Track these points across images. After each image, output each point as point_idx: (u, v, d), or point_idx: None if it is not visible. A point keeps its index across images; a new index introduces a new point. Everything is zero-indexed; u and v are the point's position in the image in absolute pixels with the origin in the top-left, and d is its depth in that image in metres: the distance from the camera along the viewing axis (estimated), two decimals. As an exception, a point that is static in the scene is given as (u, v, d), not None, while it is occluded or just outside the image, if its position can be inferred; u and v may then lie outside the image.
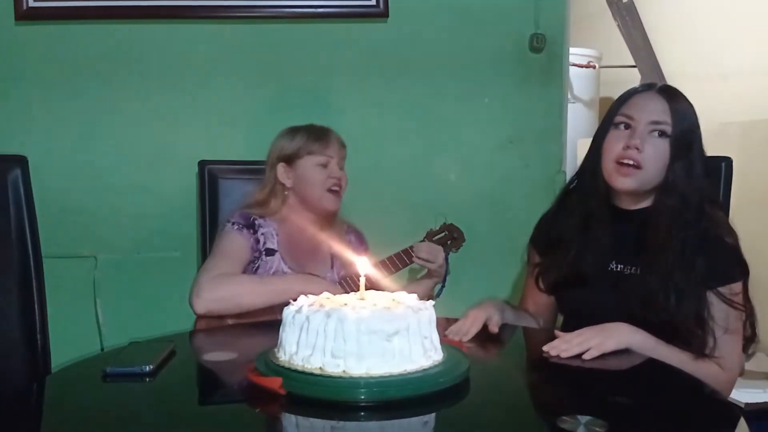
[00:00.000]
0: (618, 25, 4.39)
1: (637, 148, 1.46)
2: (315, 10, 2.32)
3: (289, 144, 1.95)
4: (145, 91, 2.32)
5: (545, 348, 1.35)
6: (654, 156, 1.47)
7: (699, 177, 1.48)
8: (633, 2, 4.37)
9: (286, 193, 1.95)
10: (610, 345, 1.35)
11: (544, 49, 2.41)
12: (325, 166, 1.92)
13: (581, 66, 4.16)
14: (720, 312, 1.43)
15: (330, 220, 1.98)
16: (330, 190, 1.92)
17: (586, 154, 1.60)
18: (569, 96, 2.90)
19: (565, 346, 1.34)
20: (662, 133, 1.47)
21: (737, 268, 1.47)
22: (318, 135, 1.95)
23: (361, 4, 2.33)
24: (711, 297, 1.44)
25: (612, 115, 1.53)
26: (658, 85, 1.56)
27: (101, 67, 2.30)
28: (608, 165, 1.50)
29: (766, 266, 2.82)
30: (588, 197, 1.57)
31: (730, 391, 1.48)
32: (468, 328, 1.47)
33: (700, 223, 1.46)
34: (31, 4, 2.22)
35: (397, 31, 2.37)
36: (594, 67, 4.28)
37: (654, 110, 1.48)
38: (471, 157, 2.44)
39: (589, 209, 1.56)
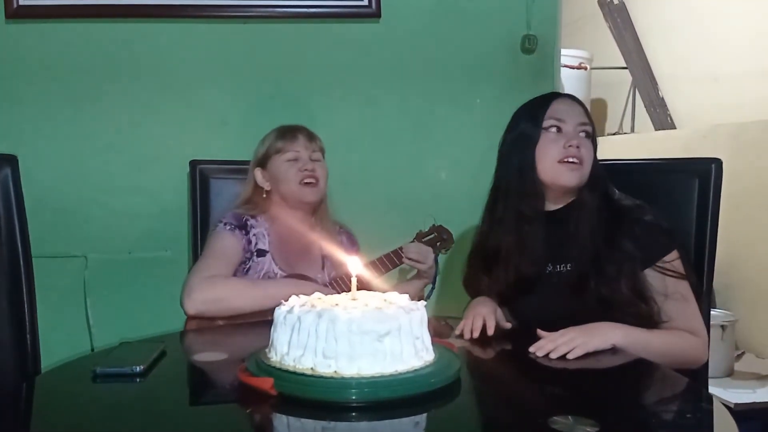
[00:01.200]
0: (609, 27, 4.41)
1: (578, 147, 1.56)
2: (307, 10, 2.32)
3: (260, 148, 1.98)
4: (136, 90, 2.31)
5: (531, 349, 1.36)
6: (587, 153, 1.58)
7: (602, 172, 1.61)
8: (624, 4, 4.39)
9: (264, 196, 1.96)
10: (594, 344, 1.38)
11: (536, 51, 2.41)
12: (295, 160, 1.93)
13: (573, 67, 4.18)
14: (667, 285, 1.50)
15: (318, 218, 1.98)
16: (304, 183, 1.92)
17: (503, 165, 1.66)
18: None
19: (551, 346, 1.36)
20: (588, 134, 1.60)
21: (663, 239, 1.53)
22: (283, 132, 1.97)
23: (353, 5, 2.33)
24: (653, 274, 1.50)
25: (537, 120, 1.59)
26: (561, 92, 1.71)
27: (92, 66, 2.29)
28: (551, 166, 1.58)
29: (756, 266, 2.85)
30: (519, 204, 1.61)
31: (707, 352, 1.54)
32: (483, 323, 1.51)
33: (608, 210, 1.55)
34: (22, 2, 2.21)
35: (389, 31, 2.37)
36: (585, 69, 4.29)
37: (578, 113, 1.61)
38: (463, 157, 2.44)
39: (522, 215, 1.61)
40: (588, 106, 4.45)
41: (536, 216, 1.60)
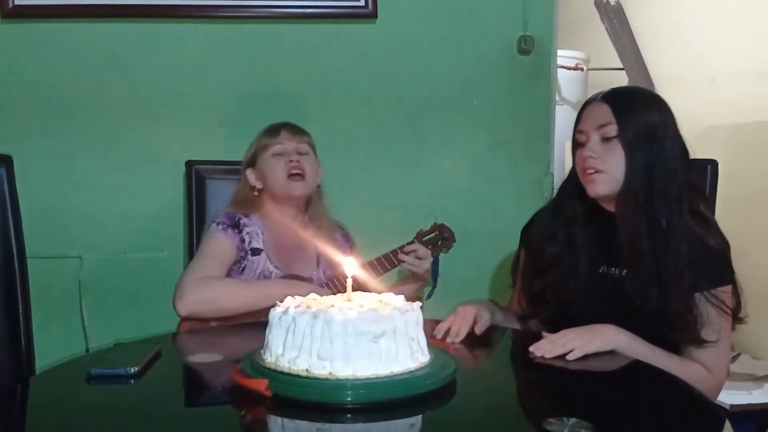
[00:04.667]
0: (606, 28, 4.41)
1: (592, 156, 1.51)
2: (304, 10, 2.31)
3: (250, 149, 1.99)
4: (132, 90, 2.30)
5: (531, 348, 1.36)
6: (609, 157, 1.50)
7: (664, 173, 1.48)
8: (621, 5, 4.40)
9: (257, 194, 1.96)
10: (594, 346, 1.37)
11: (533, 51, 2.41)
12: (281, 155, 1.93)
13: (569, 68, 4.18)
14: (709, 315, 1.44)
15: (311, 216, 1.98)
16: (291, 176, 1.91)
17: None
18: (557, 98, 2.90)
19: (549, 346, 1.35)
20: (611, 135, 1.50)
21: (723, 270, 1.48)
22: (269, 128, 1.98)
23: (350, 5, 2.33)
24: (698, 299, 1.45)
25: (573, 133, 1.58)
26: (599, 93, 1.58)
27: (88, 66, 2.28)
28: (582, 179, 1.55)
29: (751, 267, 2.84)
30: (576, 206, 1.60)
31: (718, 394, 1.50)
32: (458, 327, 1.50)
33: (672, 220, 1.46)
34: (18, 2, 2.20)
35: (385, 32, 2.37)
36: (582, 70, 4.29)
37: (597, 116, 1.52)
38: (459, 158, 2.44)
39: (575, 214, 1.60)
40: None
41: (586, 215, 1.59)
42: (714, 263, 1.47)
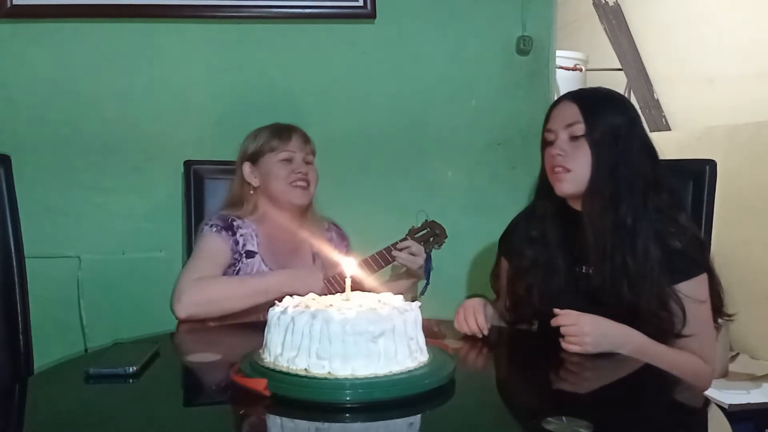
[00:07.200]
0: (604, 29, 4.41)
1: (560, 155, 1.52)
2: (302, 10, 2.31)
3: (252, 144, 1.97)
4: (131, 90, 2.30)
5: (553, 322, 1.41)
6: (577, 156, 1.51)
7: (629, 172, 1.49)
8: (619, 6, 4.40)
9: (252, 192, 1.95)
10: (601, 350, 1.38)
11: (531, 52, 2.42)
12: (289, 161, 1.93)
13: (568, 69, 4.18)
14: (689, 307, 1.46)
15: (306, 216, 1.98)
16: (295, 185, 1.92)
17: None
18: (556, 98, 2.91)
19: (563, 320, 1.40)
20: (578, 134, 1.51)
21: (694, 261, 1.49)
22: (279, 131, 1.96)
23: (348, 5, 2.33)
24: (671, 293, 1.46)
25: (542, 135, 1.59)
26: (566, 94, 1.60)
27: (86, 66, 2.28)
28: (550, 178, 1.56)
29: (750, 267, 2.85)
30: (546, 205, 1.62)
31: (711, 381, 1.52)
32: (473, 319, 1.52)
33: (637, 217, 1.48)
34: (16, 1, 2.20)
35: (384, 32, 2.37)
36: (580, 70, 4.29)
37: (566, 115, 1.53)
38: (458, 158, 2.44)
39: (548, 214, 1.61)
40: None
41: (557, 214, 1.60)
42: (683, 256, 1.48)
